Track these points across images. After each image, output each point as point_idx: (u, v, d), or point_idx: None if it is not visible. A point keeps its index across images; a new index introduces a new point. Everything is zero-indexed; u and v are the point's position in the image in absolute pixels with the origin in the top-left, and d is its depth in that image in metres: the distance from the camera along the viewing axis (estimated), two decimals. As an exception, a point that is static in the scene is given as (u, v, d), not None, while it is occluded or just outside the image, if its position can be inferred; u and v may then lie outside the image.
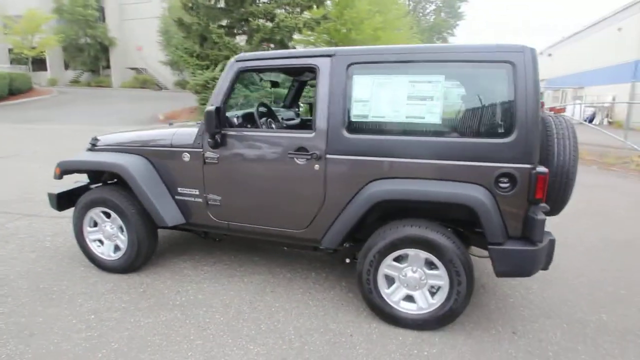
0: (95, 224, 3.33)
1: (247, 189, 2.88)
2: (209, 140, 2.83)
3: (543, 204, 2.39)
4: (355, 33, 23.24)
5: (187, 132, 3.07)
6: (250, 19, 17.71)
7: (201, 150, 2.93)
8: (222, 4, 18.69)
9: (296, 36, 21.54)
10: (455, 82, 2.40)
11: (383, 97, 2.50)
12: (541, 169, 2.30)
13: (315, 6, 20.12)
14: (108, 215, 3.25)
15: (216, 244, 3.95)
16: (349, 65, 2.53)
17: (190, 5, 17.11)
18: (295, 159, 2.68)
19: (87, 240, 3.34)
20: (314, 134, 2.63)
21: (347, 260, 2.95)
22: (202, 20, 18.34)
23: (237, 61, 2.81)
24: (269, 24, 17.55)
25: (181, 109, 19.73)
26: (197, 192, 3.02)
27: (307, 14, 19.48)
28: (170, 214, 3.07)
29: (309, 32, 22.06)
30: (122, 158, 3.11)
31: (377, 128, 2.53)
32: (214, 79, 17.11)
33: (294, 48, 21.73)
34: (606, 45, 22.61)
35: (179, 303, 2.92)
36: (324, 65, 2.59)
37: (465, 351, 2.42)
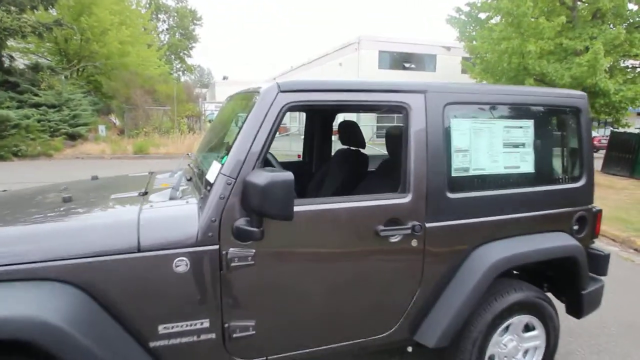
0: None
1: (307, 296, 1.79)
2: (251, 229, 1.59)
3: None
4: (98, 45, 19.81)
5: (174, 214, 1.65)
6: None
7: (217, 247, 1.62)
8: None
9: (11, 43, 16.44)
10: (541, 126, 2.22)
11: (481, 145, 2.05)
12: (596, 206, 2.43)
13: (41, 7, 15.94)
14: None
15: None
16: (445, 106, 1.94)
17: None
18: (387, 238, 1.85)
19: None
20: (409, 197, 1.89)
21: (410, 349, 2.29)
22: None
23: (283, 91, 1.70)
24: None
25: None
26: (206, 325, 1.65)
27: (31, 17, 15.10)
28: None
29: (32, 39, 17.25)
30: (17, 304, 1.36)
31: (478, 183, 2.06)
32: None
33: (10, 57, 16.51)
34: (331, 76, 27.87)
35: None
36: (416, 104, 1.89)
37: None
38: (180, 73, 49.86)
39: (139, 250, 1.55)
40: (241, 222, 1.62)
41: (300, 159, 3.48)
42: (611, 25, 10.40)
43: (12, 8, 14.61)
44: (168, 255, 1.57)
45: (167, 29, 49.93)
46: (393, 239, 1.87)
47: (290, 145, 13.96)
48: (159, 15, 47.77)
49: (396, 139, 2.09)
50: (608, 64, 8.72)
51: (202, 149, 2.53)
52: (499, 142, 2.09)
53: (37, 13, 16.37)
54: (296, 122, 24.59)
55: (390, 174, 2.26)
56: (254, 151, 1.65)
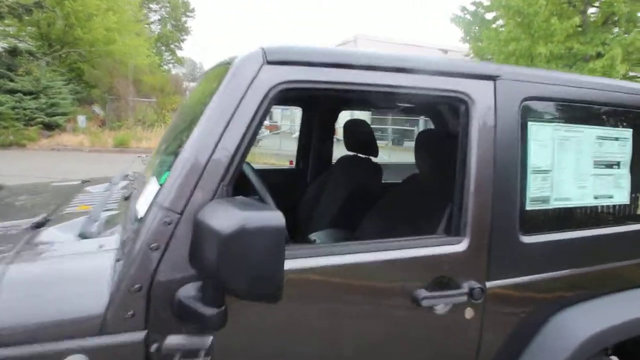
0: None
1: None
2: (203, 312, 0.88)
3: None
4: (82, 31, 18.82)
5: (65, 272, 0.94)
6: None
7: (142, 334, 0.91)
8: None
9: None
10: (638, 138, 1.55)
11: (567, 164, 1.37)
12: None
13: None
14: None
15: None
16: (522, 101, 1.26)
17: None
18: (432, 308, 1.16)
19: None
20: (465, 243, 1.20)
21: None
22: None
23: (271, 63, 0.99)
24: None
25: None
26: None
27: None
28: None
29: (12, 22, 16.29)
30: None
31: (562, 219, 1.38)
32: None
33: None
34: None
35: None
36: (481, 97, 1.20)
37: None
38: (171, 65, 48.61)
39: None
40: (188, 292, 0.91)
41: (293, 165, 2.76)
42: (619, 31, 9.95)
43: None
44: (48, 354, 0.85)
45: (158, 20, 48.66)
46: (439, 310, 1.18)
47: (281, 144, 13.18)
48: (150, 5, 46.48)
49: (439, 150, 1.41)
50: (623, 71, 8.19)
51: (156, 151, 1.80)
52: (589, 159, 1.42)
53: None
54: (287, 121, 23.85)
55: (421, 199, 1.57)
56: (215, 165, 0.94)
